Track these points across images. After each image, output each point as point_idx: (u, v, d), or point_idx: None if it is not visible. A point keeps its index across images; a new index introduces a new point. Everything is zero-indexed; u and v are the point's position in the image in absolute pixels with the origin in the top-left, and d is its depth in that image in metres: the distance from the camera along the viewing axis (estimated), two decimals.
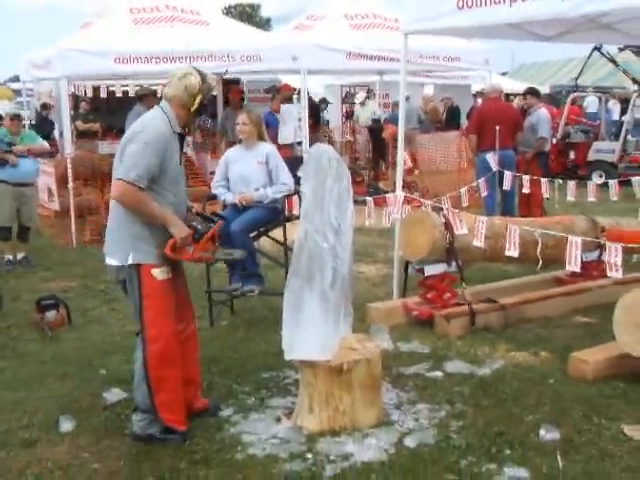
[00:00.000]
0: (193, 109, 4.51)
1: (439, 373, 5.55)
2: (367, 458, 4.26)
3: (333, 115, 21.61)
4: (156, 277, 4.43)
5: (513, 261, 6.80)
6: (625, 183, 8.67)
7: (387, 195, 7.35)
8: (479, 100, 18.90)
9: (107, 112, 18.83)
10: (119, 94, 18.34)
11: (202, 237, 4.52)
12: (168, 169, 4.41)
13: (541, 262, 5.84)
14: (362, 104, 17.34)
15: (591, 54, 17.59)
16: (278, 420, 4.77)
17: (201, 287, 6.85)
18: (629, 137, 16.72)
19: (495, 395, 5.11)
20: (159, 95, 15.06)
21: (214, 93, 16.85)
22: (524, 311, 6.83)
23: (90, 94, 18.47)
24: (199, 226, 4.54)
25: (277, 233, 7.02)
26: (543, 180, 8.30)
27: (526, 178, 8.43)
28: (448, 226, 6.55)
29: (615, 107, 19.46)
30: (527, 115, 11.67)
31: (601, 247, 6.70)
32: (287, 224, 6.89)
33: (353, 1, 14.04)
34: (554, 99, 22.44)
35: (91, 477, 4.16)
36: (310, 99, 14.94)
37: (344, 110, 21.83)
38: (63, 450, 4.46)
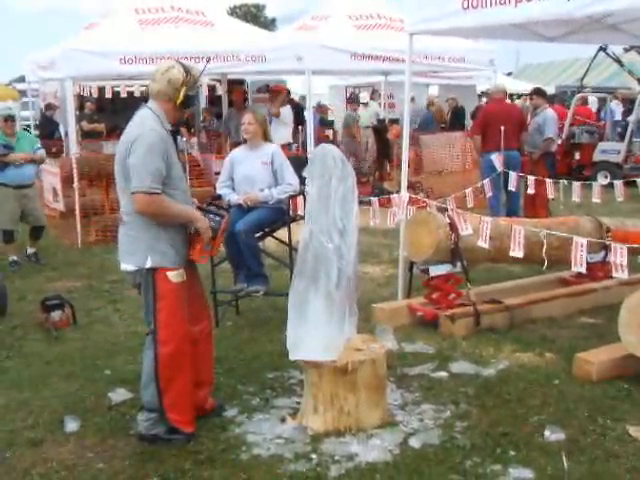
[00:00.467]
0: (179, 102, 4.48)
1: (444, 374, 5.54)
2: (372, 458, 4.26)
3: (338, 116, 21.60)
4: (171, 280, 4.44)
5: (518, 262, 6.80)
6: (630, 184, 8.65)
7: (392, 195, 7.35)
8: (484, 99, 18.90)
9: (112, 112, 18.88)
10: (124, 94, 18.36)
11: (217, 233, 4.58)
12: (172, 168, 4.43)
13: (546, 263, 5.84)
14: (365, 104, 17.32)
15: (596, 54, 17.55)
16: (283, 420, 4.78)
17: (206, 287, 6.80)
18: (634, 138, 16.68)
19: (500, 396, 5.11)
20: None
21: (218, 93, 16.92)
22: (529, 312, 6.82)
23: (95, 94, 18.49)
24: (212, 223, 4.56)
25: (282, 233, 7.02)
26: (548, 181, 8.29)
27: (531, 179, 8.42)
28: (453, 227, 6.54)
29: (617, 108, 19.39)
30: (533, 115, 11.65)
31: (606, 248, 6.68)
32: (292, 224, 6.89)
33: (358, 1, 14.05)
34: (561, 99, 22.42)
35: (96, 477, 4.17)
36: (291, 100, 14.92)
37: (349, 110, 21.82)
38: (68, 450, 4.47)
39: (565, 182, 8.50)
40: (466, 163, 14.40)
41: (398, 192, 7.33)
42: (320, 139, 14.79)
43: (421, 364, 5.72)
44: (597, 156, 16.74)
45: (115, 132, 17.62)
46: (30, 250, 9.56)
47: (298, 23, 15.18)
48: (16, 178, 9.15)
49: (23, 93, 20.59)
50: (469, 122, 18.04)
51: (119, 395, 5.21)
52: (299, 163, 6.69)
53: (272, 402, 5.06)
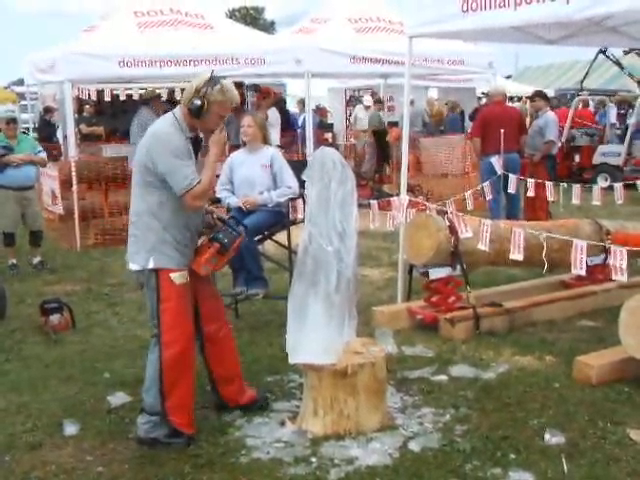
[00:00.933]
0: (188, 107, 4.42)
1: (444, 377, 5.53)
2: (371, 462, 4.25)
3: (337, 119, 21.62)
4: (174, 281, 4.45)
5: (518, 265, 6.77)
6: (630, 186, 8.65)
7: (391, 198, 7.34)
8: (484, 100, 18.89)
9: (111, 115, 18.85)
10: (123, 98, 18.35)
11: (228, 250, 4.59)
12: None
13: (546, 266, 5.83)
14: (368, 108, 17.32)
15: (596, 57, 17.59)
16: (282, 424, 4.77)
17: None
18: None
19: (500, 399, 5.10)
20: (164, 98, 15.13)
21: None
22: (529, 315, 6.81)
23: (94, 97, 18.48)
24: (225, 240, 4.57)
25: (281, 236, 7.01)
26: (548, 183, 8.28)
27: (531, 181, 8.42)
28: (453, 229, 6.54)
29: (613, 111, 19.39)
30: (534, 118, 11.65)
31: (606, 251, 6.67)
32: (291, 227, 6.89)
33: (357, 4, 14.07)
34: (561, 102, 22.43)
35: None
36: (278, 102, 14.88)
37: (348, 113, 21.83)
38: (67, 453, 4.46)
39: (565, 185, 8.50)
40: (466, 166, 14.40)
41: (398, 195, 7.32)
42: (319, 142, 14.78)
43: (421, 367, 5.71)
44: (597, 159, 16.75)
45: (114, 135, 17.65)
46: (35, 260, 9.52)
47: (297, 26, 15.19)
48: (16, 180, 9.11)
49: (21, 96, 20.59)
50: (468, 124, 18.03)
51: (118, 398, 5.20)
52: (299, 166, 6.69)
53: (272, 406, 5.04)
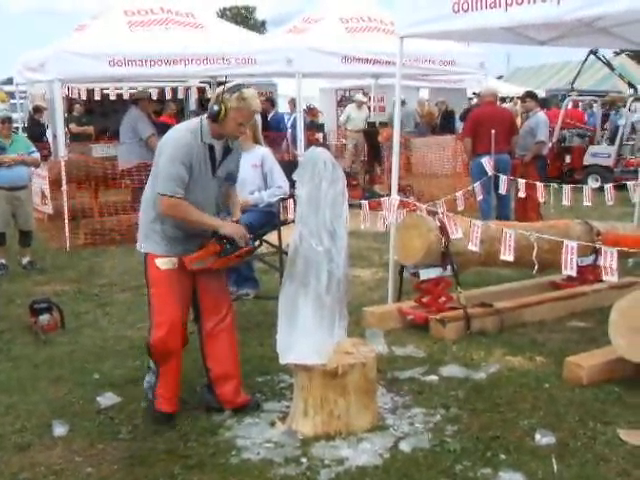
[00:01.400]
0: (209, 112, 4.57)
1: (434, 377, 5.53)
2: (362, 462, 4.24)
3: (328, 119, 21.61)
4: (159, 267, 4.64)
5: (509, 265, 6.78)
6: (621, 187, 8.67)
7: (382, 199, 7.34)
8: (474, 101, 18.91)
9: (101, 115, 18.82)
10: (113, 97, 18.31)
11: (227, 255, 4.65)
12: (191, 178, 4.55)
13: (537, 266, 5.83)
14: (359, 107, 17.32)
15: (587, 58, 17.64)
16: (273, 424, 4.75)
17: None
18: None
19: (490, 399, 5.10)
20: (154, 98, 15.07)
21: (208, 96, 16.88)
22: (519, 315, 6.82)
23: (84, 97, 18.43)
24: (228, 246, 4.63)
25: (272, 237, 7.00)
26: (539, 184, 8.30)
27: (522, 182, 8.43)
28: (443, 230, 6.54)
29: (598, 112, 19.45)
30: (525, 119, 11.68)
31: (597, 251, 6.68)
32: (282, 228, 6.88)
33: (348, 4, 14.06)
34: (551, 103, 22.50)
35: None
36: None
37: (339, 114, 21.83)
38: (56, 454, 4.44)
39: (556, 185, 8.51)
40: (457, 166, 14.42)
41: (388, 195, 7.32)
42: (310, 142, 14.76)
43: (411, 368, 5.71)
44: (588, 159, 16.80)
45: (104, 135, 17.60)
46: (25, 260, 9.47)
47: (288, 26, 15.17)
48: (8, 180, 9.05)
49: (11, 95, 20.50)
50: (459, 125, 18.05)
51: (108, 399, 5.17)
52: (289, 166, 6.68)
53: (262, 406, 5.03)
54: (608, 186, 8.34)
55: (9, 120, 9.40)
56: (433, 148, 15.23)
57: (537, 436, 4.50)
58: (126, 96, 17.63)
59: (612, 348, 5.35)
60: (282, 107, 19.57)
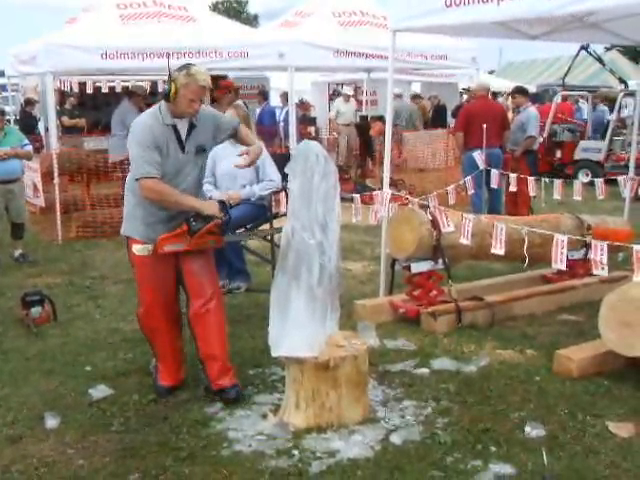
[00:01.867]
0: (163, 93, 4.80)
1: (425, 370, 5.55)
2: (353, 454, 4.26)
3: (320, 112, 21.59)
4: (135, 252, 4.91)
5: (499, 259, 6.82)
6: (611, 182, 8.71)
7: (374, 193, 7.35)
8: (464, 97, 18.91)
9: (93, 108, 18.74)
10: (105, 90, 18.26)
11: (195, 234, 4.75)
12: (161, 159, 4.70)
13: (527, 260, 5.86)
14: (347, 100, 17.30)
15: (578, 53, 17.66)
16: (264, 417, 4.77)
17: None
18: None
19: (481, 392, 5.13)
20: (148, 92, 15.03)
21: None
22: (510, 309, 6.85)
23: (76, 90, 18.37)
24: (193, 223, 4.74)
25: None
26: (530, 178, 8.33)
27: (513, 176, 8.46)
28: (435, 224, 6.56)
29: (585, 107, 19.50)
30: (516, 114, 11.70)
31: (587, 245, 6.73)
32: (274, 221, 6.88)
33: None
34: (539, 97, 22.52)
35: (76, 473, 4.14)
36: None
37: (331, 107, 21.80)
38: (48, 446, 4.44)
39: (547, 180, 8.54)
40: (448, 160, 14.44)
41: (380, 189, 7.33)
42: (302, 136, 14.76)
43: (403, 361, 5.73)
44: (578, 154, 16.87)
45: (96, 128, 17.55)
46: (17, 252, 9.45)
47: (281, 20, 15.15)
48: (1, 173, 9.01)
49: (3, 87, 20.43)
50: (451, 120, 18.07)
51: (100, 391, 5.18)
52: (282, 159, 6.68)
53: (254, 398, 5.05)
54: (598, 181, 8.38)
55: (2, 113, 9.36)
56: (425, 142, 15.24)
57: (527, 428, 4.53)
58: (118, 89, 17.60)
59: (602, 341, 5.38)
60: (274, 100, 19.53)
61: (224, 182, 6.80)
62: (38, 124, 16.54)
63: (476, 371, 5.54)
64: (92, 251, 9.89)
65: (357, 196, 7.23)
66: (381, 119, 15.06)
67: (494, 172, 8.70)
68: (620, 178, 8.47)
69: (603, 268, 5.18)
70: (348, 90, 17.83)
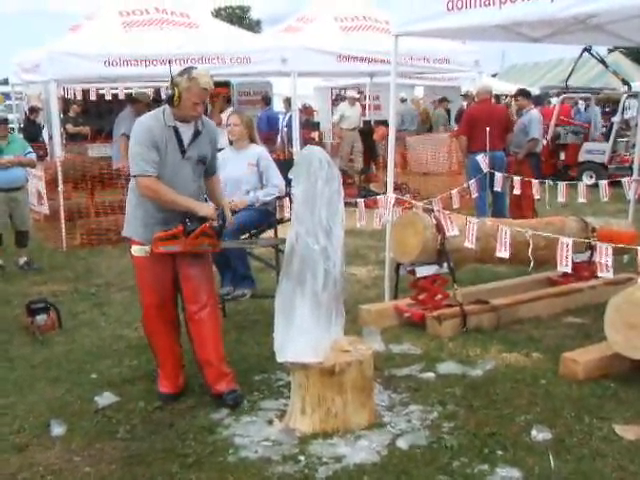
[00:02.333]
0: (166, 97, 4.87)
1: (431, 374, 5.55)
2: (359, 460, 4.25)
3: (323, 118, 21.59)
4: (133, 253, 4.97)
5: (504, 262, 6.81)
6: (615, 184, 8.69)
7: (378, 197, 7.35)
8: (464, 103, 18.89)
9: (97, 115, 18.79)
10: (109, 97, 18.29)
11: (190, 234, 4.78)
12: (160, 160, 4.75)
13: (532, 263, 5.85)
14: (352, 104, 17.29)
15: (581, 55, 17.64)
16: (270, 422, 4.76)
17: None
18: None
19: (487, 396, 5.11)
20: (151, 99, 15.05)
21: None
22: (515, 312, 6.84)
23: (79, 97, 18.42)
24: (189, 223, 4.78)
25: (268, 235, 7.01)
26: (534, 181, 8.31)
27: (517, 179, 8.45)
28: (439, 227, 6.55)
29: (592, 109, 19.47)
30: (519, 116, 11.69)
31: (592, 248, 6.71)
32: (278, 226, 6.88)
33: (343, 3, 14.06)
34: (540, 99, 22.49)
35: None
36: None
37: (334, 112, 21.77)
38: (54, 454, 4.44)
39: (551, 182, 8.52)
40: (452, 164, 14.43)
41: (384, 193, 7.33)
42: (306, 141, 14.76)
43: (408, 365, 5.72)
44: (582, 156, 16.84)
45: (100, 135, 17.59)
46: (22, 260, 9.47)
47: (283, 25, 15.17)
48: (5, 181, 9.05)
49: (7, 96, 20.47)
50: (454, 124, 18.07)
51: (105, 399, 5.18)
52: (285, 165, 6.69)
53: (259, 404, 5.04)
54: (603, 183, 8.36)
55: (5, 121, 9.40)
56: (429, 146, 15.23)
57: (533, 432, 4.52)
58: (122, 96, 17.61)
59: (608, 344, 5.37)
60: (277, 106, 19.54)
61: (228, 187, 6.77)
62: (42, 132, 16.57)
63: (482, 375, 5.53)
64: (97, 258, 9.90)
65: (361, 201, 7.23)
66: (384, 124, 15.09)
67: (498, 175, 8.69)
68: (624, 180, 8.45)
69: (608, 270, 5.16)
70: (354, 93, 17.83)
